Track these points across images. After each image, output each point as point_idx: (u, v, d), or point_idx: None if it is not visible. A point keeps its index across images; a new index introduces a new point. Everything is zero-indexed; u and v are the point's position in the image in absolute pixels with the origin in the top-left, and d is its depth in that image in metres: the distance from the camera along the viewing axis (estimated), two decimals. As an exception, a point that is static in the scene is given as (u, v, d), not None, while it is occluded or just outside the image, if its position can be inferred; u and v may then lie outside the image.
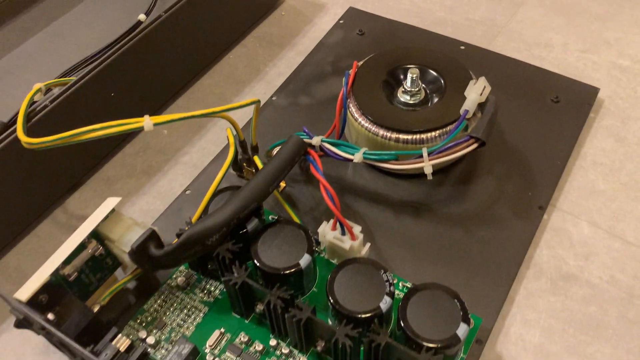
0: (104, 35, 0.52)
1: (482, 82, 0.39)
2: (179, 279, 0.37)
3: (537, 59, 0.51)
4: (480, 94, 0.39)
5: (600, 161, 0.44)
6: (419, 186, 0.42)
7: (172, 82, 0.50)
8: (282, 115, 0.48)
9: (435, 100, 0.42)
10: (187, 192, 0.43)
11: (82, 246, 0.33)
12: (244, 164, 0.42)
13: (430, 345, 0.30)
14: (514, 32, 0.54)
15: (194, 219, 0.36)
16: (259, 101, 0.38)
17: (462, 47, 0.51)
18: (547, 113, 0.46)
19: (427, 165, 0.36)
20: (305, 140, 0.38)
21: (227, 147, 0.45)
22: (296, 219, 0.39)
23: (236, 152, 0.41)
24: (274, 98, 0.49)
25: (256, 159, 0.40)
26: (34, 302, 0.30)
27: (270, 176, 0.35)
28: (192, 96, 0.51)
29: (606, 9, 0.55)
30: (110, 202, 0.34)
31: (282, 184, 0.42)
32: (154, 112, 0.49)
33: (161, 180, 0.45)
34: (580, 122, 0.46)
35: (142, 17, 0.52)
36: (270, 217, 0.40)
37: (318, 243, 0.37)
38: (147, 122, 0.34)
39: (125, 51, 0.44)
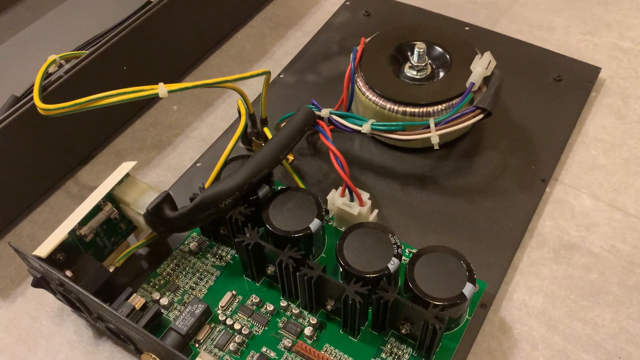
0: (115, 14, 0.53)
1: (488, 56, 0.40)
2: (192, 244, 0.37)
3: (540, 41, 0.52)
4: (486, 68, 0.40)
5: (601, 137, 0.45)
6: (424, 160, 0.43)
7: (181, 60, 0.51)
8: (289, 92, 0.49)
9: (442, 75, 0.43)
10: (198, 164, 0.44)
11: (97, 208, 0.34)
12: (253, 137, 0.43)
13: (437, 302, 0.31)
14: (517, 15, 0.55)
15: (206, 185, 0.36)
16: (269, 72, 0.39)
17: (467, 28, 0.52)
18: (550, 91, 0.47)
19: (434, 135, 0.37)
20: (315, 112, 0.39)
21: (236, 122, 0.47)
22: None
23: (246, 125, 0.42)
24: (281, 76, 0.50)
25: (266, 130, 0.41)
26: (52, 259, 0.31)
27: (281, 144, 0.36)
28: (200, 74, 0.51)
29: (607, -7, 0.56)
30: (125, 166, 0.35)
31: (290, 157, 0.43)
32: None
33: (171, 153, 0.46)
34: (582, 100, 0.47)
35: (152, -3, 0.53)
36: (279, 188, 0.40)
37: (327, 212, 0.38)
38: (161, 88, 0.35)
39: (136, 27, 0.45)
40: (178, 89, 0.35)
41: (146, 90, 0.35)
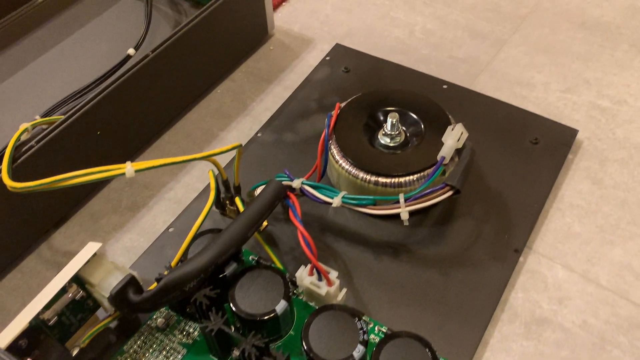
0: (93, 70, 0.53)
1: (460, 128, 0.40)
2: (159, 320, 0.37)
3: (519, 98, 0.52)
4: (458, 140, 0.40)
5: (576, 203, 0.45)
6: (398, 227, 0.43)
7: (159, 117, 0.51)
8: (266, 151, 0.49)
9: (415, 142, 0.43)
10: (170, 229, 0.44)
11: (63, 290, 0.34)
12: (227, 202, 0.43)
13: (400, 395, 0.30)
14: (497, 71, 0.55)
15: (173, 263, 0.36)
16: (240, 145, 0.39)
17: (445, 87, 0.52)
18: (526, 155, 0.47)
19: (403, 211, 0.37)
20: (286, 182, 0.39)
21: (211, 184, 0.46)
22: (276, 260, 0.40)
23: (218, 192, 0.42)
24: (259, 134, 0.50)
25: (237, 201, 0.40)
26: (13, 347, 0.31)
27: (249, 221, 0.36)
28: (179, 131, 0.51)
29: (588, 48, 0.56)
30: (91, 247, 0.35)
31: (264, 223, 0.43)
32: (139, 148, 0.50)
33: (145, 216, 0.46)
34: (559, 164, 0.46)
35: (131, 51, 0.54)
36: (250, 258, 0.40)
37: (296, 286, 0.38)
38: (128, 168, 0.34)
39: (114, 88, 0.45)
40: (146, 168, 0.35)
41: (113, 170, 0.35)
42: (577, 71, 0.54)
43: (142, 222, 0.45)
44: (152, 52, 0.47)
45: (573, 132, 0.48)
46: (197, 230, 0.37)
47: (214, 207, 0.43)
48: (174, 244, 0.43)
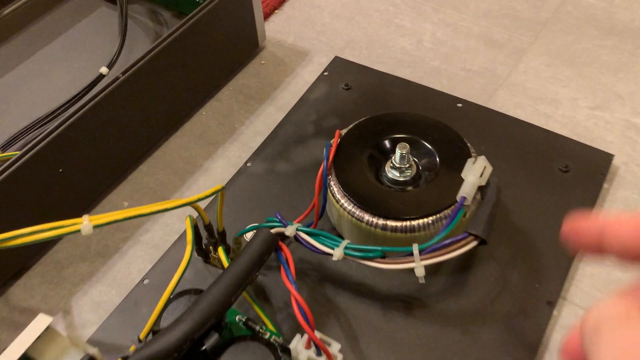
0: (59, 93, 0.47)
1: (482, 162, 0.34)
2: (128, 400, 0.31)
3: (543, 117, 0.46)
4: (480, 176, 0.34)
5: (616, 241, 0.39)
6: (411, 276, 0.36)
7: (135, 146, 0.45)
8: (257, 184, 0.42)
9: (429, 177, 0.37)
10: (145, 281, 0.38)
11: (6, 374, 0.28)
12: (211, 248, 0.37)
13: None
14: (517, 85, 0.49)
15: (142, 334, 0.30)
16: (222, 189, 0.33)
17: (459, 105, 0.46)
18: (556, 185, 0.41)
19: (418, 267, 0.31)
20: (277, 230, 0.33)
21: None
22: (267, 321, 0.33)
23: (199, 240, 0.36)
24: (248, 164, 0.44)
25: (220, 252, 0.34)
26: None
27: (232, 284, 0.30)
28: (158, 160, 0.45)
29: (618, 57, 0.50)
30: (41, 322, 0.29)
31: (254, 273, 0.37)
32: (111, 183, 0.44)
33: (118, 263, 0.40)
34: (593, 195, 0.40)
35: (104, 70, 0.48)
36: (237, 318, 0.34)
37: (291, 356, 0.32)
38: (85, 225, 0.28)
39: (81, 115, 0.39)
40: (106, 223, 0.29)
41: (66, 227, 0.29)
42: (608, 85, 0.48)
43: (113, 270, 0.39)
44: (123, 73, 0.40)
45: (608, 157, 0.42)
46: (172, 292, 0.31)
47: (195, 255, 0.37)
48: (149, 300, 0.37)
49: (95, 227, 0.29)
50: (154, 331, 0.31)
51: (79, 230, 0.28)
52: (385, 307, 0.36)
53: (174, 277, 0.31)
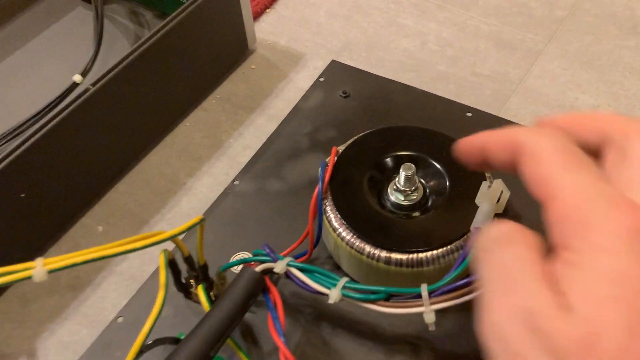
0: (27, 105, 0.43)
1: (499, 185, 0.30)
2: None
3: (561, 127, 0.42)
4: (497, 202, 0.29)
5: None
6: (418, 315, 0.33)
7: (111, 164, 0.41)
8: (245, 206, 0.38)
9: (438, 201, 0.33)
10: (119, 319, 0.34)
11: None
12: (192, 281, 0.33)
13: None
14: (532, 91, 0.44)
15: (108, 394, 0.26)
16: (203, 220, 0.29)
17: (469, 114, 0.41)
18: (579, 205, 0.36)
19: (428, 312, 0.27)
20: (265, 266, 0.29)
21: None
22: (255, 370, 0.29)
23: (177, 275, 0.32)
24: (236, 183, 0.39)
25: (200, 291, 0.30)
26: None
27: (210, 336, 0.26)
28: (137, 178, 0.41)
29: (642, 59, 0.46)
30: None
31: (241, 310, 0.33)
32: (84, 205, 0.39)
33: (90, 297, 0.36)
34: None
35: (77, 78, 0.43)
36: (221, 367, 0.30)
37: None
38: (38, 271, 0.24)
39: (46, 132, 0.35)
40: (63, 267, 0.25)
41: (17, 273, 0.24)
42: (632, 89, 0.44)
43: (85, 306, 0.35)
44: (94, 84, 0.36)
45: (636, 173, 0.38)
46: (142, 344, 0.26)
47: (174, 289, 0.33)
48: (124, 341, 0.33)
49: (51, 272, 0.24)
50: (123, 389, 0.26)
51: (30, 277, 0.24)
52: (389, 351, 0.31)
53: (143, 328, 0.26)
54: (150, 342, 0.28)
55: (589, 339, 0.15)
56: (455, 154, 0.24)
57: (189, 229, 0.28)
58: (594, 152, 0.20)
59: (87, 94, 0.36)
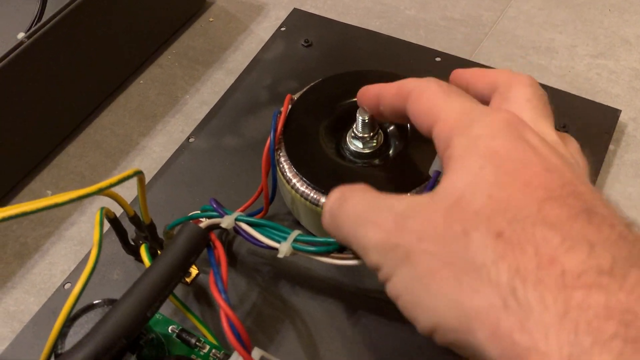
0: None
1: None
2: None
3: (537, 69, 0.39)
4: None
5: (626, 213, 0.33)
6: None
7: (60, 125, 0.38)
8: (201, 163, 0.36)
9: (399, 147, 0.31)
10: (67, 285, 0.32)
11: None
12: (141, 242, 0.31)
13: None
14: (506, 33, 0.42)
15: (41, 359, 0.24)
16: (140, 172, 0.27)
17: (438, 59, 0.39)
18: (553, 149, 0.34)
19: (382, 262, 0.25)
20: (212, 221, 0.27)
21: (124, 216, 0.34)
22: (206, 332, 0.28)
23: (123, 235, 0.30)
24: (191, 140, 0.37)
25: (143, 251, 0.28)
26: None
27: (145, 296, 0.24)
28: (88, 140, 0.39)
29: (622, -4, 0.43)
30: None
31: (193, 270, 0.31)
32: (31, 169, 0.37)
33: (38, 264, 0.34)
34: (597, 160, 0.34)
35: (21, 35, 0.40)
36: (170, 329, 0.28)
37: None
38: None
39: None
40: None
41: None
42: (612, 28, 0.41)
43: (32, 273, 0.33)
44: (29, 37, 0.34)
45: (614, 113, 0.36)
46: (73, 305, 0.25)
47: (124, 252, 0.31)
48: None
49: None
50: (57, 354, 0.25)
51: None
52: (352, 307, 0.30)
53: (75, 287, 0.24)
54: (88, 305, 0.26)
55: (461, 202, 0.17)
56: (357, 100, 0.27)
57: (121, 181, 0.25)
58: (486, 103, 0.22)
59: (22, 47, 0.33)
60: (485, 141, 0.18)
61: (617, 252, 0.15)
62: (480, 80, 0.23)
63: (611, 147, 0.35)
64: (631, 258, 0.15)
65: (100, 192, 0.25)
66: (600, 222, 0.16)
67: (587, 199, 0.17)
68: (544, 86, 0.37)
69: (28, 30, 0.41)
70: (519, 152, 0.18)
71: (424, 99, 0.21)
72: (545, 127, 0.20)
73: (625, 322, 0.14)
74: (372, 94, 0.25)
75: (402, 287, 0.19)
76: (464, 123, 0.19)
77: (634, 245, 0.16)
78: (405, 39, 0.41)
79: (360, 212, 0.21)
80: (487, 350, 0.16)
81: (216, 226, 0.27)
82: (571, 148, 0.21)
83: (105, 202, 0.27)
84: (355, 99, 0.32)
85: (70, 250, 0.34)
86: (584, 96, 0.37)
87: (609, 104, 0.36)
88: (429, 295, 0.18)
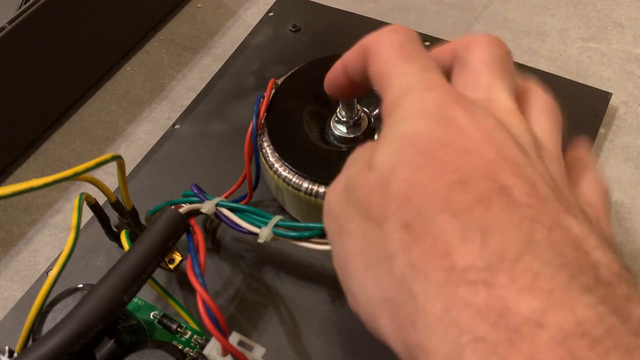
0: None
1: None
2: None
3: (528, 53, 0.39)
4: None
5: (616, 198, 0.32)
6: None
7: (46, 112, 0.38)
8: (186, 150, 0.36)
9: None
10: (50, 272, 0.32)
11: None
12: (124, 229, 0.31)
13: None
14: (497, 17, 0.41)
15: (17, 346, 0.24)
16: (119, 157, 0.26)
17: (427, 43, 0.38)
18: (542, 133, 0.34)
19: (362, 246, 0.25)
20: (192, 207, 0.27)
21: (108, 203, 0.34)
22: (188, 318, 0.27)
23: (104, 222, 0.30)
24: (177, 126, 0.37)
25: (123, 237, 0.28)
26: None
27: (122, 280, 0.23)
28: (74, 127, 0.38)
29: (616, -22, 0.42)
30: None
31: (177, 257, 0.31)
32: (16, 157, 0.37)
33: (23, 251, 0.33)
34: (588, 142, 0.33)
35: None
36: (151, 315, 0.28)
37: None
38: None
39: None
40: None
41: None
42: (604, 11, 0.41)
43: (17, 261, 0.33)
44: (10, 22, 0.33)
45: (604, 96, 0.35)
46: (49, 290, 0.24)
47: (108, 239, 0.31)
48: (55, 294, 0.31)
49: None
50: (35, 338, 0.25)
51: None
52: (335, 293, 0.29)
53: (52, 270, 0.24)
54: (67, 290, 0.26)
55: (381, 183, 0.17)
56: (326, 89, 0.25)
57: (98, 165, 0.25)
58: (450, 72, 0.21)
59: (3, 32, 0.33)
60: (410, 122, 0.17)
61: (511, 240, 0.14)
62: (442, 53, 0.22)
63: (602, 130, 0.35)
64: (531, 244, 0.14)
65: (75, 176, 0.25)
66: (505, 204, 0.15)
67: (503, 179, 0.15)
68: (534, 70, 0.37)
69: (11, 21, 0.41)
70: (439, 132, 0.16)
71: (378, 61, 0.20)
72: (500, 93, 0.19)
73: (496, 323, 0.13)
74: (339, 68, 0.23)
75: (335, 263, 0.19)
76: (399, 102, 0.18)
77: (535, 230, 0.14)
78: (395, 24, 0.40)
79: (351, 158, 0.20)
80: (391, 345, 0.16)
81: (197, 211, 0.27)
82: (533, 115, 0.20)
83: (91, 189, 0.27)
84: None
85: (55, 238, 0.34)
86: (575, 79, 0.36)
87: (600, 87, 0.35)
88: (350, 278, 0.18)
